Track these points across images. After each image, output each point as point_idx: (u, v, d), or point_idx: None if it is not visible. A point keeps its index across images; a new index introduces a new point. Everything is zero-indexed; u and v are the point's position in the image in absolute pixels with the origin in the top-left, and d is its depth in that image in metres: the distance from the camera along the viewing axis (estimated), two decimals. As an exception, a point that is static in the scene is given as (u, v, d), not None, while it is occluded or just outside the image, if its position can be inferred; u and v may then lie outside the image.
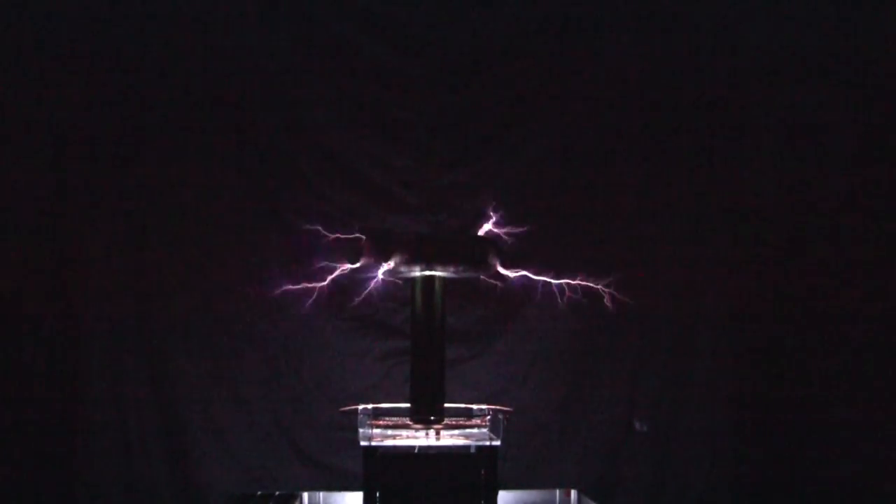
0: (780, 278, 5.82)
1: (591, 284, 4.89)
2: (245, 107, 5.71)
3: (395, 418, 4.78)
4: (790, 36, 5.83)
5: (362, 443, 4.46)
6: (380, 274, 4.73)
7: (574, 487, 5.35)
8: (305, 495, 5.24)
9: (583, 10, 5.84)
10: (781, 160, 5.85)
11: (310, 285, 4.89)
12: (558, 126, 5.84)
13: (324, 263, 4.86)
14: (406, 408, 4.76)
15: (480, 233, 4.91)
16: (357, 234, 4.80)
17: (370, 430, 4.52)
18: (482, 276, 4.85)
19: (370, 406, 4.83)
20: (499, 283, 4.87)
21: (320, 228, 4.96)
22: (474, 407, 4.89)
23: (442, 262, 4.61)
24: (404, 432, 4.60)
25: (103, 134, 5.64)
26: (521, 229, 4.92)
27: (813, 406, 5.73)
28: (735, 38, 5.86)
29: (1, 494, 5.43)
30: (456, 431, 4.63)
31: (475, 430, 4.66)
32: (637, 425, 5.78)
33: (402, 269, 4.61)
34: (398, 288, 5.18)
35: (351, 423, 4.88)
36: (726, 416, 5.82)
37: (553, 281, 4.90)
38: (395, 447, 4.52)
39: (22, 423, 5.50)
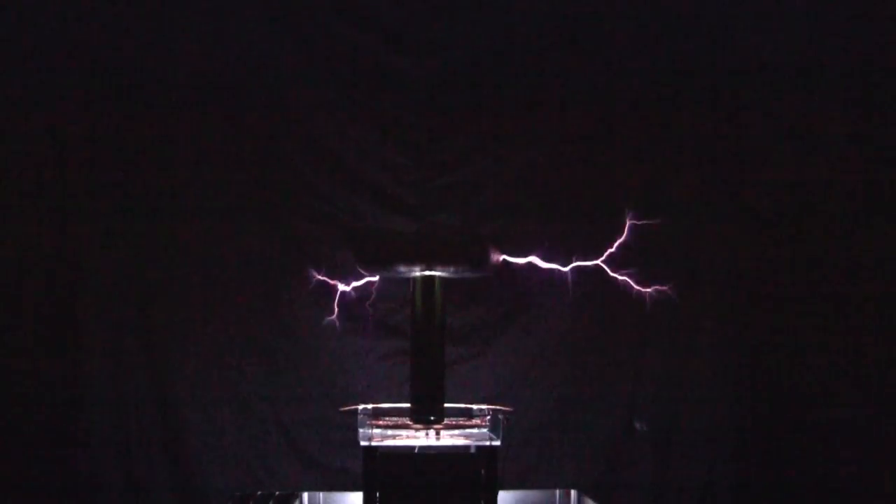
0: (781, 277, 5.82)
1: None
2: (244, 106, 5.71)
3: (395, 418, 4.78)
4: (790, 36, 5.83)
5: (362, 443, 4.46)
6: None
7: (574, 487, 5.35)
8: (305, 495, 5.24)
9: (583, 10, 5.84)
10: (781, 160, 5.85)
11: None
12: (558, 125, 5.84)
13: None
14: (406, 408, 4.76)
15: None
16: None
17: (370, 430, 4.52)
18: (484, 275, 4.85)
19: (370, 406, 4.83)
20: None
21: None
22: (474, 407, 4.89)
23: (442, 262, 4.60)
24: (404, 432, 4.60)
25: (103, 133, 5.64)
26: None
27: (814, 406, 5.73)
28: (735, 38, 5.85)
29: (1, 494, 5.43)
30: (456, 431, 4.63)
31: (475, 430, 4.66)
32: (637, 425, 5.78)
33: (402, 269, 4.61)
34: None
35: (351, 423, 4.88)
36: (726, 416, 5.81)
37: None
38: (395, 447, 4.52)
39: (22, 423, 5.50)
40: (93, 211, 5.62)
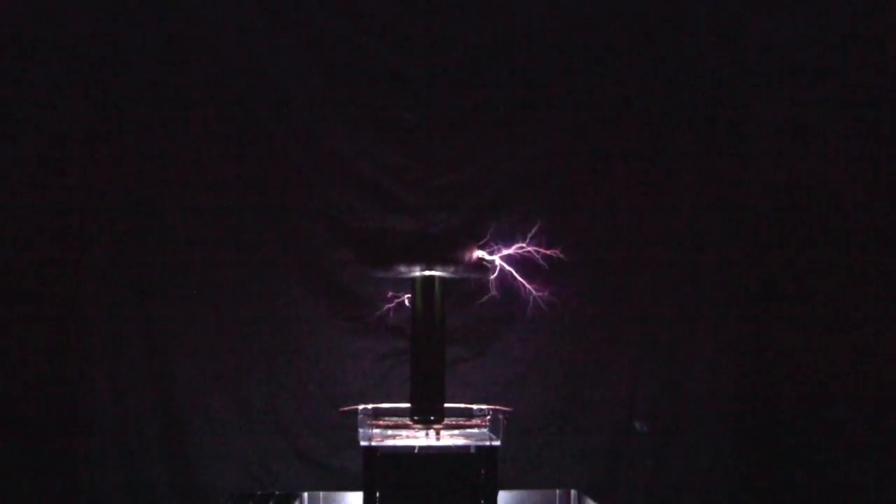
0: (781, 277, 5.82)
1: None
2: (244, 106, 5.71)
3: (395, 418, 4.78)
4: (790, 36, 5.84)
5: (362, 443, 4.46)
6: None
7: (574, 487, 5.35)
8: (305, 495, 5.24)
9: (583, 10, 5.84)
10: (781, 160, 5.85)
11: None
12: (558, 125, 5.84)
13: None
14: (406, 408, 4.76)
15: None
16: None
17: (370, 430, 4.52)
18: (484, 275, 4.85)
19: (370, 406, 4.83)
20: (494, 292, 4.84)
21: None
22: (474, 407, 4.89)
23: (442, 262, 4.60)
24: (404, 432, 4.60)
25: (104, 133, 5.65)
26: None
27: (814, 406, 5.73)
28: (735, 37, 5.86)
29: (1, 494, 5.43)
30: (456, 431, 4.63)
31: (475, 430, 4.66)
32: (637, 426, 5.78)
33: (402, 269, 4.61)
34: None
35: (351, 423, 4.88)
36: (726, 416, 5.82)
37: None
38: (395, 447, 4.52)
39: (22, 423, 5.50)
40: (93, 211, 5.63)
